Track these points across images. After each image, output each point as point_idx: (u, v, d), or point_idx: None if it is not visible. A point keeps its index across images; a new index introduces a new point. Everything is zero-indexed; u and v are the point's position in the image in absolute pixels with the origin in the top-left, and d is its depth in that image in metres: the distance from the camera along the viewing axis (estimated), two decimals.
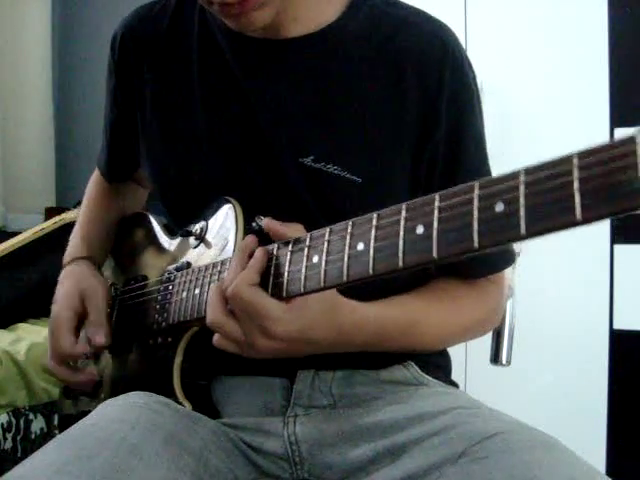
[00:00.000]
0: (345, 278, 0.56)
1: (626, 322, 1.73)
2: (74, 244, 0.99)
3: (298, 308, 0.64)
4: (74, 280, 0.92)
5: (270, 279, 0.64)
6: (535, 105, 1.83)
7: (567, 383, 1.76)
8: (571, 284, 1.76)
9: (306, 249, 0.61)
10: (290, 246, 0.64)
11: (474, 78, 0.83)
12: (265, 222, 0.67)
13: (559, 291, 1.77)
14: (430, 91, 0.78)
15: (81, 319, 0.89)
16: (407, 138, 0.78)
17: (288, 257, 0.63)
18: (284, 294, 0.63)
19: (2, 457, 1.46)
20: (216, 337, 0.68)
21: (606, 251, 1.73)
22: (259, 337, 0.64)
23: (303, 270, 0.61)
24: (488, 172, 0.84)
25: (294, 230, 0.65)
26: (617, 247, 1.73)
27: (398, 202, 0.79)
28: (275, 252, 0.65)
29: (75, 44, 2.91)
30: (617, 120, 1.71)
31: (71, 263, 0.95)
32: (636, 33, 1.74)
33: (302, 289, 0.61)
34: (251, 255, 0.66)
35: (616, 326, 1.73)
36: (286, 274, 0.63)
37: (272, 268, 0.64)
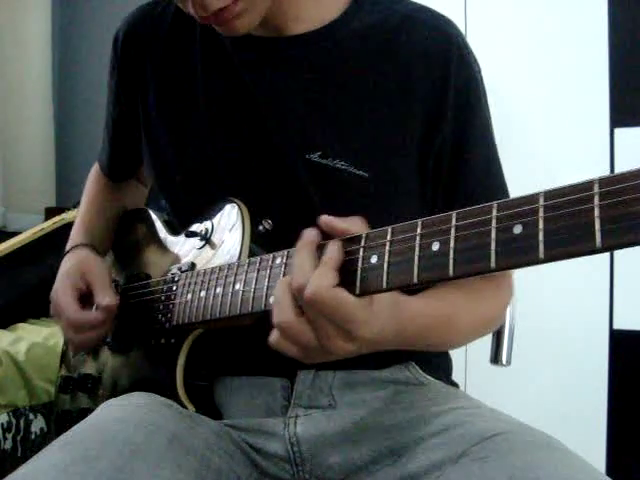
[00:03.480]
0: (358, 291, 0.56)
1: (626, 322, 1.73)
2: (75, 235, 0.99)
3: (375, 309, 0.59)
4: (75, 261, 0.91)
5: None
6: (535, 105, 1.82)
7: (567, 383, 1.76)
8: (571, 284, 1.76)
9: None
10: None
11: (479, 72, 0.83)
12: (322, 219, 0.61)
13: (559, 291, 1.77)
14: (436, 85, 0.78)
15: (82, 296, 0.88)
16: (414, 133, 0.78)
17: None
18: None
19: (2, 457, 1.46)
20: (276, 337, 0.61)
21: None
22: (339, 341, 0.59)
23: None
24: (498, 166, 0.84)
25: (354, 224, 0.60)
26: None
27: (406, 197, 0.80)
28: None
29: (75, 44, 2.91)
30: (617, 120, 1.71)
31: (72, 250, 0.94)
32: (636, 33, 1.74)
33: (384, 285, 0.56)
34: (317, 249, 0.60)
35: (616, 326, 1.73)
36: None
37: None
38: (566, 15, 1.79)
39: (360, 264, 0.57)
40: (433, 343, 0.77)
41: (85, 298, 0.88)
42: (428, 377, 0.81)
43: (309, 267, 0.58)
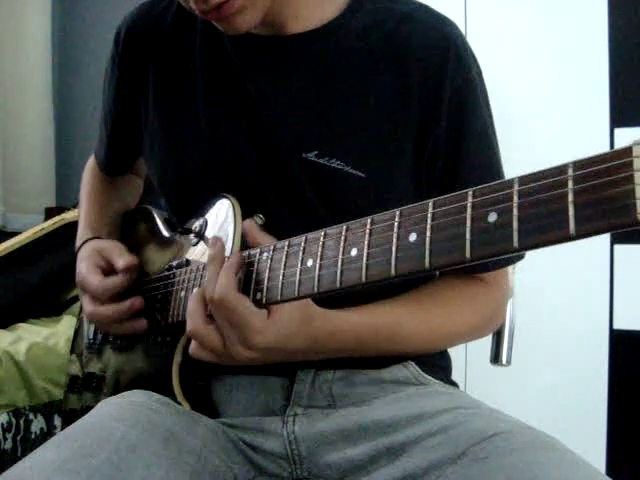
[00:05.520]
0: (338, 284, 0.55)
1: (626, 322, 1.73)
2: (81, 234, 0.99)
3: (277, 319, 0.65)
4: (90, 247, 0.91)
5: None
6: (535, 105, 1.82)
7: (567, 383, 1.76)
8: (571, 284, 1.76)
9: (301, 252, 0.60)
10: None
11: (479, 73, 0.82)
12: (244, 225, 0.68)
13: (559, 291, 1.77)
14: (432, 85, 0.78)
15: (104, 272, 0.87)
16: (410, 132, 0.78)
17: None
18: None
19: (2, 457, 1.46)
20: (193, 346, 0.68)
21: (606, 251, 1.73)
22: (238, 346, 0.65)
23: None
24: (497, 167, 0.83)
25: (268, 237, 0.67)
26: (617, 247, 1.73)
27: (402, 197, 0.79)
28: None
29: (75, 44, 2.91)
30: (617, 120, 1.71)
31: (84, 244, 0.94)
32: (636, 33, 1.74)
33: (279, 297, 0.61)
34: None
35: (616, 326, 1.73)
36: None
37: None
38: (566, 15, 1.79)
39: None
40: (380, 352, 0.78)
41: (108, 274, 0.88)
42: (428, 377, 0.81)
43: (216, 277, 0.65)
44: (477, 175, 0.81)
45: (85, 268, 0.87)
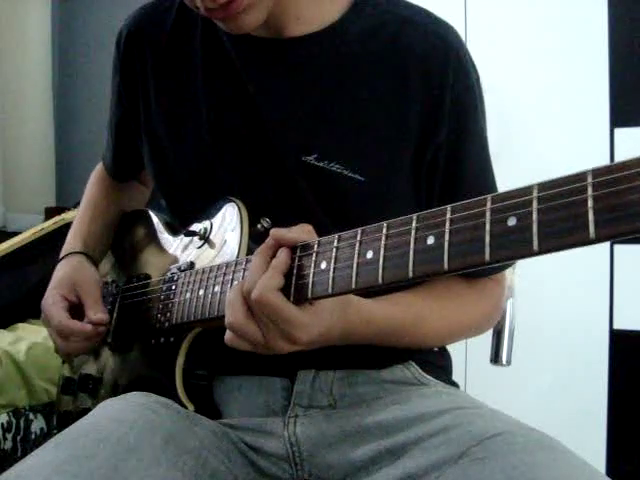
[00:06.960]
0: (354, 286, 0.56)
1: (626, 322, 1.73)
2: (70, 241, 0.99)
3: (319, 313, 0.63)
4: (68, 270, 0.92)
5: (292, 282, 0.62)
6: (535, 105, 1.83)
7: (567, 383, 1.76)
8: (571, 284, 1.76)
9: (314, 255, 0.61)
10: (298, 251, 0.63)
11: (478, 79, 0.83)
12: (272, 232, 0.65)
13: (559, 291, 1.77)
14: (433, 92, 0.78)
15: (72, 306, 0.89)
16: (410, 138, 0.78)
17: (304, 261, 0.62)
18: (308, 296, 0.61)
19: (2, 457, 1.46)
20: (229, 336, 0.65)
21: (606, 251, 1.73)
22: (280, 341, 0.63)
23: (311, 275, 0.60)
24: (491, 174, 0.84)
25: (302, 232, 0.64)
26: (617, 247, 1.73)
27: (401, 201, 0.80)
28: (299, 252, 0.63)
29: (75, 44, 2.91)
30: (617, 120, 1.71)
31: (65, 257, 0.95)
32: (636, 33, 1.74)
33: (310, 294, 0.60)
34: (273, 256, 0.64)
35: (616, 326, 1.73)
36: (311, 276, 0.61)
37: (294, 269, 0.62)
38: (566, 15, 1.79)
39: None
40: (401, 343, 0.79)
41: (75, 308, 0.89)
42: (428, 377, 0.81)
43: (259, 272, 0.63)
44: (478, 181, 0.82)
45: (51, 299, 0.88)
